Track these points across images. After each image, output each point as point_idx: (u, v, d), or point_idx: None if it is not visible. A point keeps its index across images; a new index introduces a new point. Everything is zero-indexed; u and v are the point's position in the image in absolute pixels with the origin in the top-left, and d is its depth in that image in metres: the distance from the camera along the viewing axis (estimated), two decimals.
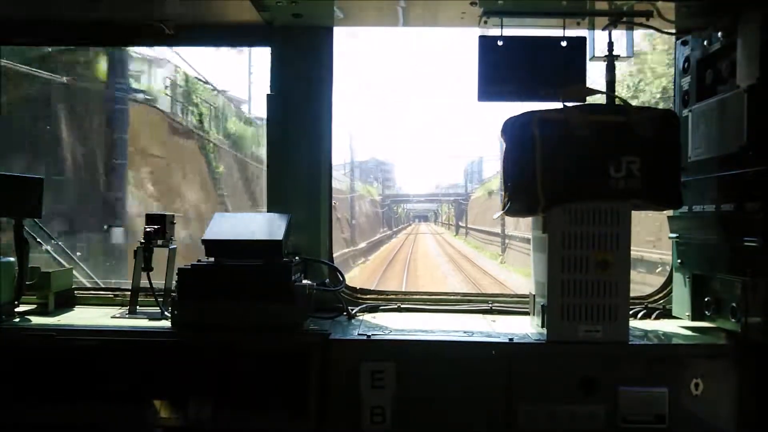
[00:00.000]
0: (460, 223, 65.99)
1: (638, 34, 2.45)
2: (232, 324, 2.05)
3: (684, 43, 2.37)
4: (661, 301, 2.53)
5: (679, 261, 2.34)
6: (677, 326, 2.30)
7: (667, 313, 2.45)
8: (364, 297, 2.65)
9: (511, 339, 2.05)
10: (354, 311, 2.44)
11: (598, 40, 2.45)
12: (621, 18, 2.30)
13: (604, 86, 2.41)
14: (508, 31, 2.35)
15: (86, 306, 2.55)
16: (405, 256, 34.50)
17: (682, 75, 2.38)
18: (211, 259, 2.16)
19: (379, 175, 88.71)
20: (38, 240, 2.87)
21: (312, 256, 2.47)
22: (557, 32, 2.38)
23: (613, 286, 1.99)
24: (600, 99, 2.35)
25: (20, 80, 8.77)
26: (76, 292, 2.60)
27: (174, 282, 2.23)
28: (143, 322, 2.23)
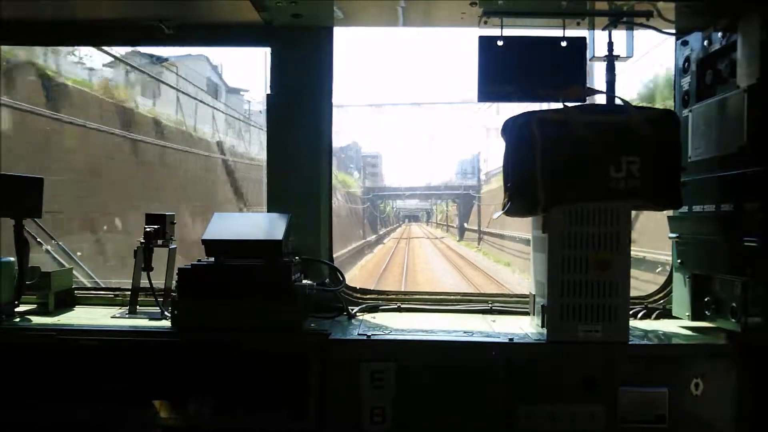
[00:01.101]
0: (466, 225, 51.93)
1: None
2: (232, 324, 2.05)
3: (684, 44, 2.37)
4: (661, 301, 2.53)
5: (679, 261, 2.34)
6: (677, 326, 2.30)
7: (667, 313, 2.45)
8: (364, 297, 2.65)
9: (511, 339, 2.05)
10: (354, 311, 2.44)
11: (598, 41, 2.45)
12: (621, 18, 2.30)
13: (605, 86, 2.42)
14: (508, 31, 2.36)
15: (86, 306, 2.55)
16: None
17: (682, 75, 2.38)
18: (211, 259, 2.16)
19: (361, 165, 72.71)
20: (38, 240, 2.87)
21: (312, 256, 2.47)
22: (557, 32, 2.38)
23: (612, 286, 1.99)
24: (600, 99, 2.35)
25: None
26: (76, 292, 2.60)
27: (174, 282, 2.24)
28: (143, 322, 2.23)
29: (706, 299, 2.18)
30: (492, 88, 2.37)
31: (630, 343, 2.01)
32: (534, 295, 2.21)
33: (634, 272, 2.08)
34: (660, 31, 2.37)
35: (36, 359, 2.05)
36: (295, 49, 2.51)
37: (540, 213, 2.03)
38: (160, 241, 2.40)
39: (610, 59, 2.41)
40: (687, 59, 2.35)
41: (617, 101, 2.28)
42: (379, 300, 2.63)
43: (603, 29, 2.40)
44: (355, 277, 23.11)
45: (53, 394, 2.03)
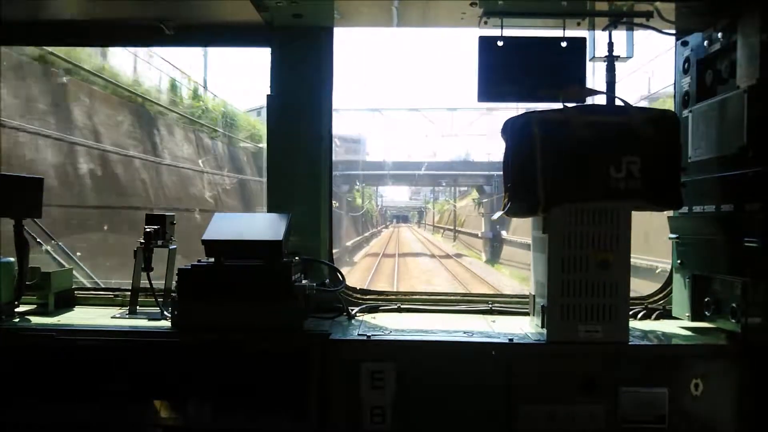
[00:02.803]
0: (506, 234, 30.69)
1: None
2: (231, 324, 2.05)
3: (684, 44, 2.37)
4: (661, 302, 2.53)
5: (679, 261, 2.34)
6: (677, 327, 2.30)
7: (667, 314, 2.45)
8: (364, 297, 2.65)
9: (511, 339, 2.05)
10: (354, 311, 2.44)
11: (598, 41, 2.46)
12: (621, 18, 2.30)
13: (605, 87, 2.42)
14: (508, 32, 2.36)
15: (86, 306, 2.55)
16: None
17: (682, 75, 2.38)
18: (211, 260, 2.16)
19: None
20: (38, 240, 2.87)
21: (312, 256, 2.47)
22: (557, 33, 2.38)
23: (613, 286, 1.99)
24: (600, 99, 2.35)
25: None
26: (76, 292, 2.60)
27: (174, 282, 2.23)
28: (143, 323, 2.23)
29: (706, 300, 2.18)
30: (492, 88, 2.37)
31: (630, 343, 2.01)
32: (534, 295, 2.21)
33: None
34: (660, 31, 2.37)
35: (36, 359, 2.05)
36: (295, 49, 2.51)
37: (540, 213, 2.03)
38: (160, 242, 2.40)
39: (610, 59, 2.42)
40: (687, 59, 2.35)
41: (617, 101, 2.28)
42: (379, 300, 2.63)
43: (603, 29, 2.40)
44: None
45: (53, 394, 2.03)
